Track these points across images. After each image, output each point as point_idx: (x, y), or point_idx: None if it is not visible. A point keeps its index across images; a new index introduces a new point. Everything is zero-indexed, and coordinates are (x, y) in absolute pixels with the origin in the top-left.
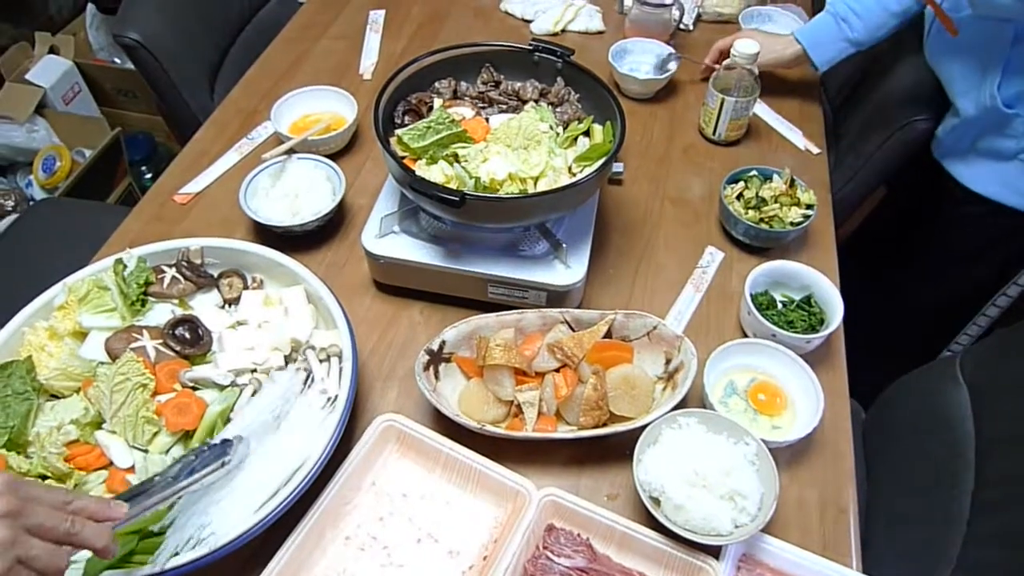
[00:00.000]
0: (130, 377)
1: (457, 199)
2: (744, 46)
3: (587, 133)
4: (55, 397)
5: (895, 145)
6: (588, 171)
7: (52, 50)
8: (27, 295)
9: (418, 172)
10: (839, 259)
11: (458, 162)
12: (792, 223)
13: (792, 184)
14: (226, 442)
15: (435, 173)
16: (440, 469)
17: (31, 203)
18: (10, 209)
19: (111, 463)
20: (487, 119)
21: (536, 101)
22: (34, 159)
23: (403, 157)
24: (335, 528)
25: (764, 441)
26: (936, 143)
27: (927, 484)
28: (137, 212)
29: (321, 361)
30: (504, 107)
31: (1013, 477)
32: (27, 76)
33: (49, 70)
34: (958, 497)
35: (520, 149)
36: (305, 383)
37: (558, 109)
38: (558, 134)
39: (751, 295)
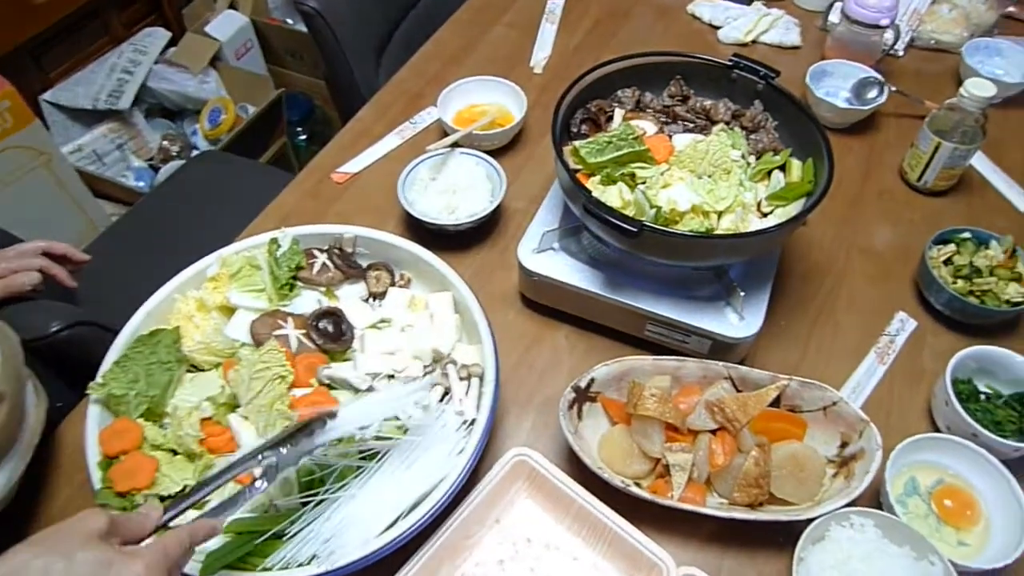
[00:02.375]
0: (271, 367)
1: (635, 230)
2: (976, 86)
3: (782, 167)
4: (194, 368)
5: None
6: (781, 214)
7: (232, 5)
8: (185, 247)
9: (594, 192)
10: None
11: (636, 184)
12: (1009, 302)
13: (1013, 255)
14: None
15: (612, 196)
16: (570, 520)
17: (194, 150)
18: (175, 154)
19: (240, 449)
20: (670, 136)
21: (728, 124)
22: (202, 109)
23: (576, 170)
24: (452, 563)
25: (963, 567)
26: None
27: None
28: (295, 185)
29: (461, 379)
30: (690, 126)
31: None
32: (206, 28)
33: (227, 24)
34: None
35: (706, 177)
36: (441, 400)
37: (752, 136)
38: (749, 164)
39: (952, 381)
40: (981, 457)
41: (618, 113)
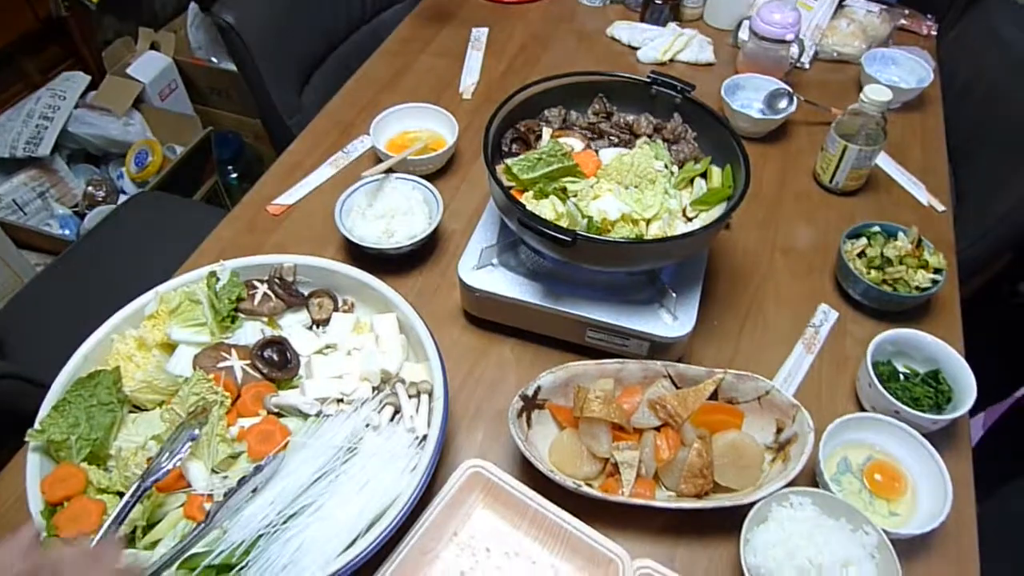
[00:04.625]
0: (204, 396)
1: (569, 239)
2: (874, 92)
3: (704, 175)
4: (136, 409)
5: None
6: (706, 217)
7: (153, 46)
8: (119, 291)
9: (528, 206)
10: None
11: (568, 197)
12: (919, 288)
13: (919, 244)
14: (257, 468)
15: (545, 209)
16: (527, 525)
17: (121, 194)
18: (101, 199)
19: (190, 486)
20: (597, 151)
21: (650, 136)
22: (127, 152)
23: (510, 187)
24: None
25: (893, 534)
26: None
27: None
28: (231, 220)
29: (411, 397)
30: (615, 140)
31: None
32: (128, 70)
33: (149, 65)
34: None
35: (632, 188)
36: (392, 419)
37: (673, 147)
38: (673, 173)
39: (873, 364)
40: (904, 432)
41: (546, 132)
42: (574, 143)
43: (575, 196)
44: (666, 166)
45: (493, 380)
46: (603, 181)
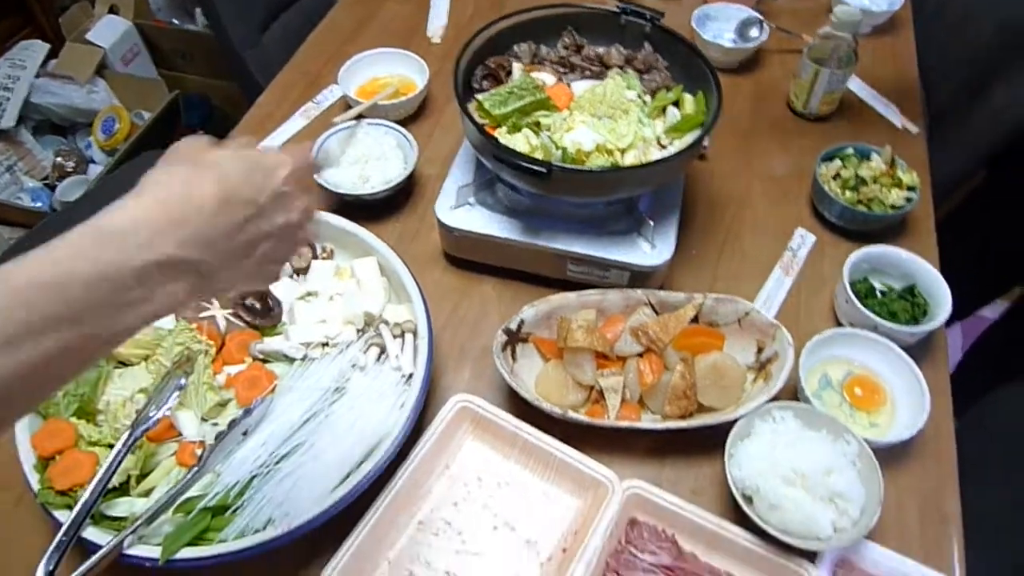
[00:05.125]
0: (189, 345)
1: (544, 170)
2: (845, 13)
3: (676, 103)
4: (123, 364)
5: (1006, 123)
6: (680, 144)
7: (112, 10)
8: None
9: (501, 141)
10: None
11: (541, 130)
12: (893, 206)
13: (893, 164)
14: (247, 411)
15: (519, 142)
16: (517, 454)
17: (91, 164)
18: (71, 170)
19: (180, 435)
20: (569, 85)
21: (621, 68)
22: (94, 120)
23: (482, 124)
24: (408, 512)
25: (873, 442)
26: None
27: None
28: None
29: (395, 337)
30: (587, 73)
31: None
32: (88, 36)
33: (109, 30)
34: None
35: (606, 119)
36: (378, 359)
37: (645, 76)
38: (646, 103)
39: (849, 282)
40: (882, 345)
41: (516, 66)
42: (546, 78)
43: (548, 129)
44: (639, 96)
45: (476, 318)
46: (576, 113)
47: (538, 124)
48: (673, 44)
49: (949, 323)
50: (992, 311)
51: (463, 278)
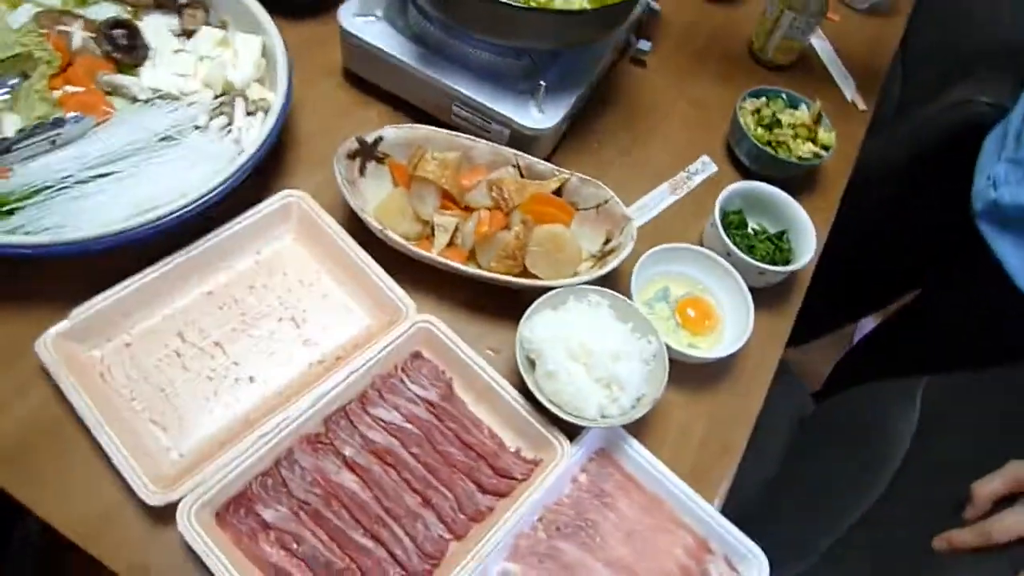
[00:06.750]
0: (32, 49)
1: None
2: None
3: None
4: None
5: (938, 125)
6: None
7: None
8: None
9: None
10: None
11: None
12: (800, 157)
13: (818, 121)
14: (58, 120)
15: None
16: (330, 262)
17: None
18: None
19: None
20: None
21: None
22: None
23: None
24: (201, 278)
25: (677, 352)
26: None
27: (838, 484)
28: None
29: (248, 114)
30: None
31: (913, 502)
32: None
33: None
34: (854, 504)
35: None
36: (223, 130)
37: None
38: None
39: (722, 209)
40: (729, 275)
41: None
42: None
43: None
44: None
45: (348, 134)
46: None
47: None
48: None
49: (862, 315)
50: None
51: (353, 97)
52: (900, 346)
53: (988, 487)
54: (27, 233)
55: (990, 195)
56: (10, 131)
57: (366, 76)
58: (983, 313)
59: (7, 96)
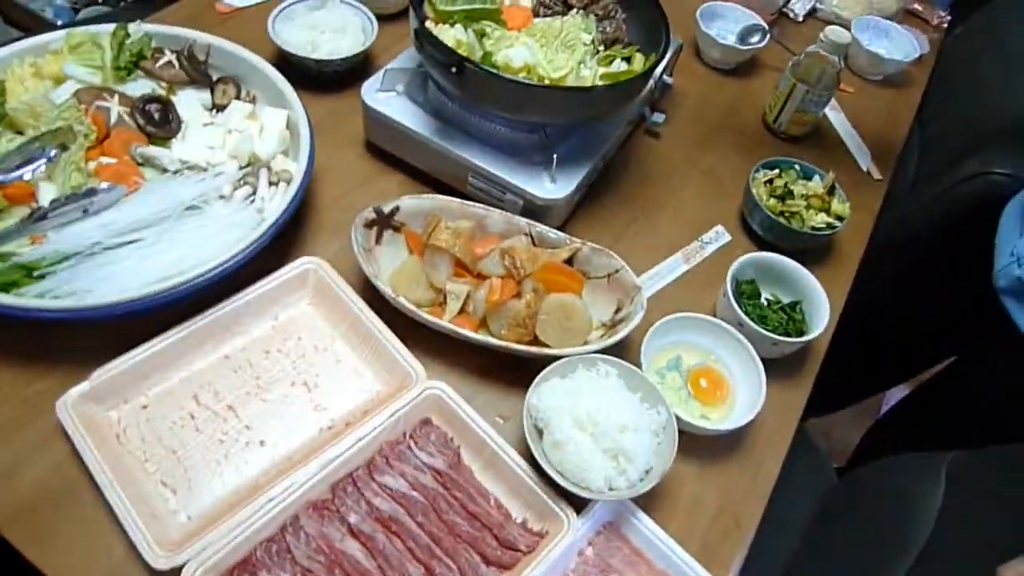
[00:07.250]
0: (71, 123)
1: (455, 62)
2: (834, 34)
3: (628, 60)
4: (19, 134)
5: (954, 196)
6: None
7: None
8: None
9: (433, 30)
10: None
11: (483, 39)
12: (813, 227)
13: (832, 191)
14: (91, 190)
15: (447, 33)
16: (344, 327)
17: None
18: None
19: (36, 202)
20: (534, 15)
21: (582, 9)
22: None
23: (424, 19)
24: (217, 342)
25: (687, 424)
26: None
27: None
28: (175, 9)
29: (271, 184)
30: (549, 12)
31: None
32: None
33: None
34: None
35: (551, 50)
36: (247, 199)
37: (602, 23)
38: (598, 51)
39: (735, 279)
40: (741, 346)
41: None
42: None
43: (486, 37)
44: (593, 42)
45: (368, 204)
46: (524, 36)
47: (484, 34)
48: (642, 2)
49: (889, 385)
50: None
51: (374, 166)
52: (925, 418)
53: (1013, 572)
54: (55, 297)
55: (1014, 272)
56: (46, 200)
57: (387, 148)
58: (1009, 385)
59: (46, 166)
